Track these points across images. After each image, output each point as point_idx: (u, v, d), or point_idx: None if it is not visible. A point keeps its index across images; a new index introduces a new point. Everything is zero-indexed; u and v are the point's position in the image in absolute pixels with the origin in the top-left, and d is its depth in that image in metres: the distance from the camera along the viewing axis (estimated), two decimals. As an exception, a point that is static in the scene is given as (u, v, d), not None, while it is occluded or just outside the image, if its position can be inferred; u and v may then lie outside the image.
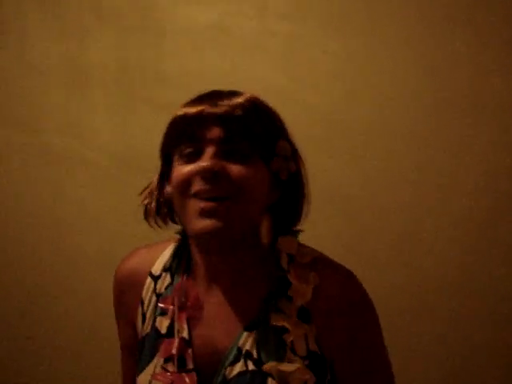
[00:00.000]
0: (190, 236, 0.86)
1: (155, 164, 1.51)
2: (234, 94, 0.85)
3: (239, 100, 0.83)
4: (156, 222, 0.89)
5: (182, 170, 0.82)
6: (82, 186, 1.67)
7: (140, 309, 0.91)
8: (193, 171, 0.80)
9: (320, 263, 0.85)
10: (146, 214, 0.90)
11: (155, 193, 0.89)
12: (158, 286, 0.91)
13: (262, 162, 0.82)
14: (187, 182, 0.81)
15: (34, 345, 1.69)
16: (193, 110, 0.81)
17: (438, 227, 1.51)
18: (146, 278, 0.92)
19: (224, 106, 0.81)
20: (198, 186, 0.80)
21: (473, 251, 1.50)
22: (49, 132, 1.68)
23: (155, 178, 0.91)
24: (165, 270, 0.91)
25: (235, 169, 0.80)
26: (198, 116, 0.81)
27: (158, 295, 0.90)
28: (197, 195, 0.80)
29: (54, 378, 1.69)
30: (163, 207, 0.88)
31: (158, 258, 0.93)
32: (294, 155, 0.87)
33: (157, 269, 0.92)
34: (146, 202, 0.90)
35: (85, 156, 1.65)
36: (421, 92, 1.51)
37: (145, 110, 1.61)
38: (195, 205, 0.80)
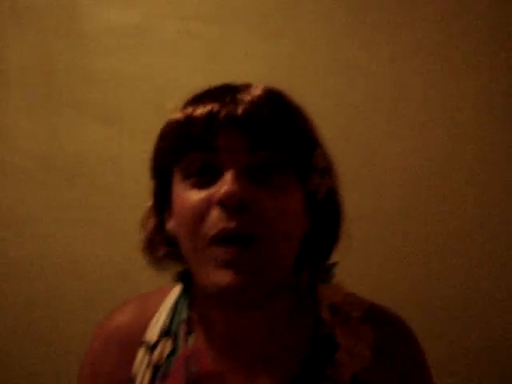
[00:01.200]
0: (201, 286, 0.63)
1: (85, 167, 1.49)
2: (249, 86, 0.63)
3: (261, 93, 0.61)
4: (153, 265, 0.67)
5: (190, 196, 0.59)
6: (8, 191, 1.63)
7: None
8: (210, 199, 0.58)
9: (372, 315, 0.66)
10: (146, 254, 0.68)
11: (149, 227, 0.68)
12: (155, 357, 0.67)
13: (296, 180, 0.61)
14: (200, 215, 0.59)
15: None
16: (200, 110, 0.60)
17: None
18: (137, 347, 0.68)
19: (244, 102, 0.59)
20: (217, 222, 0.57)
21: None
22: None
23: (149, 206, 0.70)
24: (163, 334, 0.68)
25: (269, 198, 0.58)
26: (209, 117, 0.59)
27: (157, 368, 0.66)
28: (216, 237, 0.58)
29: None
30: (160, 247, 0.66)
31: (151, 317, 0.69)
32: (330, 167, 0.65)
33: (152, 335, 0.68)
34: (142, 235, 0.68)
35: (8, 160, 1.62)
36: (350, 92, 1.49)
37: (69, 112, 1.56)
38: (213, 251, 0.58)
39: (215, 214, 0.58)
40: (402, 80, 1.48)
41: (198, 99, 0.62)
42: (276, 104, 0.62)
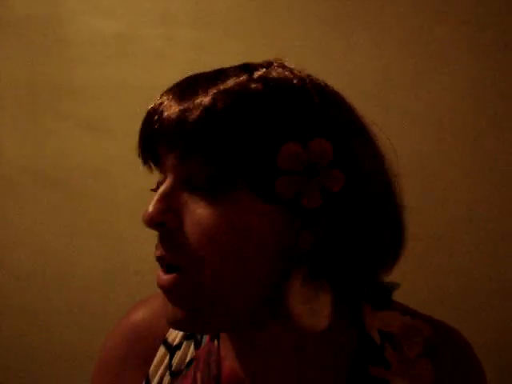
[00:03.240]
0: None
1: (72, 177, 1.47)
2: (216, 77, 0.51)
3: (212, 91, 0.49)
4: None
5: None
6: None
7: None
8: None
9: (434, 346, 0.55)
10: None
11: None
12: (174, 361, 0.60)
13: (252, 192, 0.48)
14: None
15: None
16: (151, 105, 0.53)
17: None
18: (156, 346, 0.61)
19: (185, 102, 0.49)
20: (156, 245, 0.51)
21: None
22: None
23: None
24: (187, 336, 0.61)
25: (199, 218, 0.48)
26: (149, 116, 0.52)
27: (174, 374, 0.59)
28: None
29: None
30: None
31: None
32: (345, 156, 0.49)
33: (175, 335, 0.62)
34: None
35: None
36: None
37: (55, 122, 1.56)
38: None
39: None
40: (386, 78, 1.48)
41: (167, 89, 0.55)
42: (225, 104, 0.48)
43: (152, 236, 0.51)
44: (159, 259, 0.50)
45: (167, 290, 0.50)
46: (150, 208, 0.49)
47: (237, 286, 0.49)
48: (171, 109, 0.50)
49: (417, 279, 1.34)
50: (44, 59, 1.56)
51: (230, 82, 0.49)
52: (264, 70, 0.51)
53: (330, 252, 0.49)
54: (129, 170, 1.44)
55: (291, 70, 0.52)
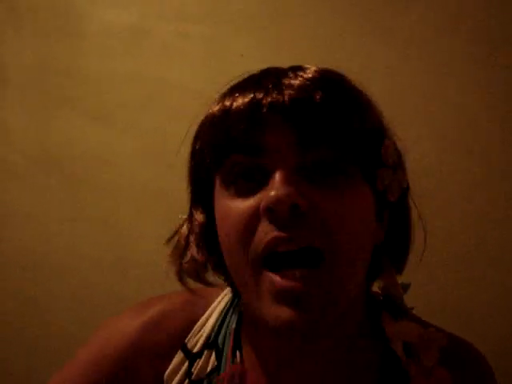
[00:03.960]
0: (252, 313, 0.52)
1: (79, 165, 1.47)
2: (299, 69, 0.51)
3: (312, 76, 0.49)
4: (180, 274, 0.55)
5: (235, 206, 0.48)
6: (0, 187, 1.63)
7: None
8: (258, 206, 0.47)
9: (450, 356, 0.55)
10: (180, 278, 0.55)
11: (186, 252, 0.55)
12: (195, 369, 0.57)
13: (363, 180, 0.49)
14: (246, 227, 0.47)
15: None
16: (239, 100, 0.49)
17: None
18: (173, 350, 0.58)
19: (292, 88, 0.48)
20: (267, 232, 0.46)
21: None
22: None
23: (184, 225, 0.56)
24: (208, 345, 0.57)
25: (330, 201, 0.46)
26: (251, 110, 0.48)
27: (194, 382, 0.56)
28: (267, 253, 0.46)
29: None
30: (202, 268, 0.54)
31: (197, 319, 0.58)
32: (401, 161, 0.53)
33: (195, 341, 0.58)
34: (173, 264, 0.55)
35: (2, 157, 1.62)
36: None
37: (65, 111, 1.57)
38: (266, 278, 0.47)
39: (264, 223, 0.47)
40: (396, 81, 1.47)
41: (236, 88, 0.52)
42: (332, 88, 0.49)
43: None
44: (287, 242, 0.46)
45: (304, 293, 0.45)
46: (283, 189, 0.45)
47: (362, 264, 0.49)
48: (284, 90, 0.48)
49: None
50: (56, 48, 1.57)
51: (325, 73, 0.52)
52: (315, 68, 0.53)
53: (397, 232, 0.53)
54: (133, 161, 1.45)
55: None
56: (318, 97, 0.47)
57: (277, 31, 1.49)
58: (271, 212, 0.46)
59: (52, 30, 1.57)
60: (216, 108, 0.51)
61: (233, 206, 0.49)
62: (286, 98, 0.47)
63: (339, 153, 0.48)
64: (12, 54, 1.59)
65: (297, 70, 0.51)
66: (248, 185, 0.49)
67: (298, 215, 0.46)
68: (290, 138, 0.47)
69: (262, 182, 0.48)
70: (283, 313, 0.46)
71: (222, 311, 0.59)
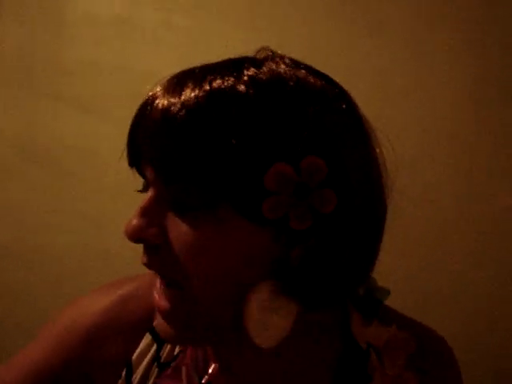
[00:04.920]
0: None
1: (63, 156, 1.45)
2: (204, 73, 0.48)
3: (196, 91, 0.45)
4: None
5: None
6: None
7: (123, 374, 0.56)
8: None
9: (417, 355, 0.54)
10: None
11: None
12: (163, 353, 0.56)
13: (238, 213, 0.44)
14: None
15: None
16: (136, 111, 0.49)
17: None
18: (142, 332, 0.57)
19: (168, 101, 0.45)
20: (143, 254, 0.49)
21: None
22: None
23: None
24: None
25: (185, 235, 0.44)
26: (135, 119, 0.48)
27: (163, 365, 0.56)
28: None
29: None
30: None
31: None
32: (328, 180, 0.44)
33: None
34: None
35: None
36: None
37: (49, 102, 1.55)
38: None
39: None
40: (382, 74, 1.47)
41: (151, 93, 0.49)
42: (207, 106, 0.43)
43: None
44: (147, 265, 0.48)
45: (166, 311, 0.48)
46: (134, 221, 0.46)
47: (224, 300, 0.47)
48: (162, 101, 0.46)
49: (407, 281, 1.35)
50: (41, 38, 1.55)
51: (216, 84, 0.46)
52: (254, 70, 0.46)
53: (314, 268, 0.46)
54: (118, 153, 1.44)
55: (286, 67, 0.47)
56: (163, 136, 0.44)
57: (262, 21, 1.49)
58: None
59: (36, 20, 1.55)
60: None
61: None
62: (156, 113, 0.45)
63: (194, 187, 0.44)
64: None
65: (198, 78, 0.47)
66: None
67: (151, 247, 0.46)
68: (150, 166, 0.47)
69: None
70: (157, 321, 0.50)
71: None
